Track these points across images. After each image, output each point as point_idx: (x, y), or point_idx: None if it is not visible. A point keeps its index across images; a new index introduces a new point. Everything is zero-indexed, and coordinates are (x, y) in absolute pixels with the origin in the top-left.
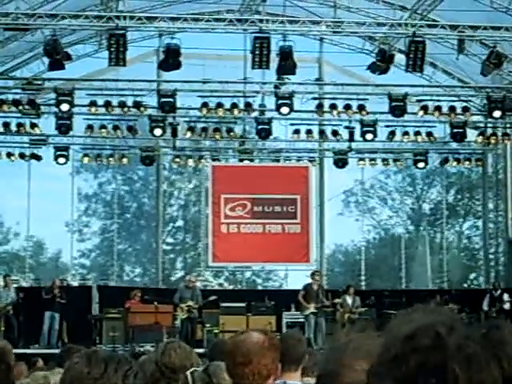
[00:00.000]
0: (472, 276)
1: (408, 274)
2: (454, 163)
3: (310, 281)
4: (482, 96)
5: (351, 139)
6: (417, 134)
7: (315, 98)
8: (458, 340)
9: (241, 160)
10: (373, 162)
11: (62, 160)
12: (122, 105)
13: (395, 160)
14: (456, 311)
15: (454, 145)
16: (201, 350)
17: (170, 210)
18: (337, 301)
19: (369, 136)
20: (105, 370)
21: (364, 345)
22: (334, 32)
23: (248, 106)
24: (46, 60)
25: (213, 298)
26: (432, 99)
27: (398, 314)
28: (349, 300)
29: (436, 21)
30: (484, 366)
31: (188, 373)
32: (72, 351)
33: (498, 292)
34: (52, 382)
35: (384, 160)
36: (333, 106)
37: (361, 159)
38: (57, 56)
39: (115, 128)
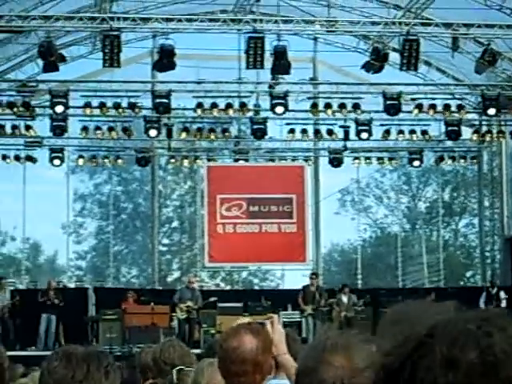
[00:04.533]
0: (468, 274)
1: (404, 272)
2: (450, 161)
3: (307, 282)
4: (477, 94)
5: (346, 138)
6: (412, 132)
7: (310, 98)
8: (506, 340)
9: (236, 160)
10: (368, 160)
11: (57, 162)
12: (117, 106)
13: (390, 159)
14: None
15: (449, 143)
16: (198, 351)
17: (166, 211)
18: (331, 301)
19: (364, 135)
20: (88, 370)
21: (341, 341)
22: (328, 31)
23: (243, 106)
24: (41, 62)
25: (213, 299)
26: (426, 97)
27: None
28: (344, 299)
29: (430, 19)
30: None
31: (174, 371)
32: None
33: (495, 290)
34: None
35: (379, 159)
36: (327, 106)
37: (356, 158)
38: (51, 58)
39: (110, 129)
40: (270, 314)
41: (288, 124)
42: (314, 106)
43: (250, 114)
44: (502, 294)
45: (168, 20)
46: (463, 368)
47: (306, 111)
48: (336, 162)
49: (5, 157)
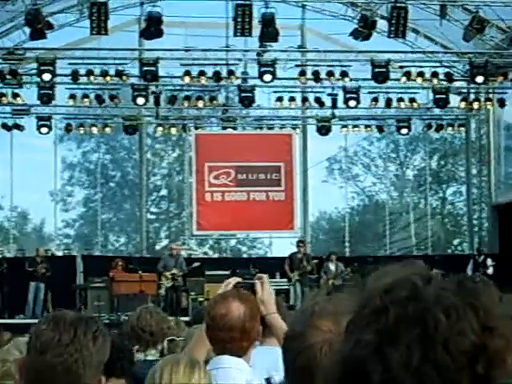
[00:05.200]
0: (456, 242)
1: (392, 240)
2: (437, 129)
3: (295, 250)
4: (465, 61)
5: (334, 106)
6: (400, 100)
7: (298, 65)
8: (434, 291)
9: (224, 128)
10: (356, 128)
11: (44, 130)
12: (104, 74)
13: (378, 127)
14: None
15: (437, 111)
16: (186, 318)
17: (154, 179)
18: (314, 261)
19: (352, 103)
20: (74, 335)
21: (329, 306)
22: None
23: (231, 73)
24: (28, 29)
25: (196, 264)
26: (414, 65)
27: (374, 273)
28: (332, 267)
29: None
30: (462, 316)
31: (165, 341)
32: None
33: (482, 257)
34: None
35: (367, 127)
36: (315, 73)
37: (344, 126)
38: (38, 25)
39: (98, 97)
40: (260, 274)
41: (276, 92)
42: (302, 73)
43: (238, 81)
44: (489, 262)
45: None
46: (391, 315)
47: (294, 79)
48: (324, 130)
49: None
